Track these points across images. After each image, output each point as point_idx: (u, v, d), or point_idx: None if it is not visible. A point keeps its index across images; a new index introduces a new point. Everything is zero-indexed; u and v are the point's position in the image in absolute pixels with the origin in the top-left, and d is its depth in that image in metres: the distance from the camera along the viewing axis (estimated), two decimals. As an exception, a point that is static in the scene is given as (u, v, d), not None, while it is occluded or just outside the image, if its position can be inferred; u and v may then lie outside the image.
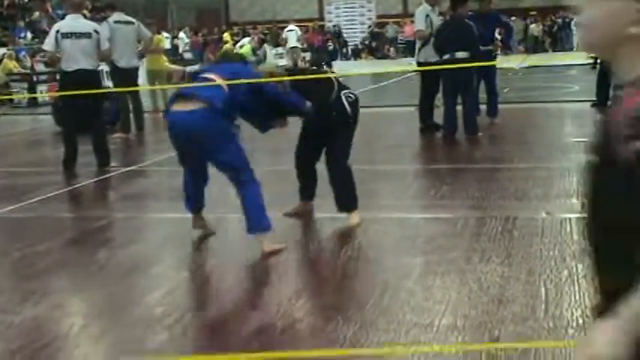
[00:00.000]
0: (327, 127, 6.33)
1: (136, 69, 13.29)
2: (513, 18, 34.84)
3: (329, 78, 6.64)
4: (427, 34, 11.37)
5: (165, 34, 26.91)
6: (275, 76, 6.50)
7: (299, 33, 30.91)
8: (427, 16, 11.47)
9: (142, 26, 13.35)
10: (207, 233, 6.24)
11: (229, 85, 5.67)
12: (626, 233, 1.51)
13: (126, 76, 12.69)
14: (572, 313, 4.25)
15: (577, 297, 4.49)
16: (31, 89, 20.51)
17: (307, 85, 6.35)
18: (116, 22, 12.81)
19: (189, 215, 6.41)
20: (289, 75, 6.65)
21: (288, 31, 30.18)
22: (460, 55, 10.56)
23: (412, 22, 13.64)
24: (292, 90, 6.24)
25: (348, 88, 6.52)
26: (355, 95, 6.49)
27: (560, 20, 38.53)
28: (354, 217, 6.31)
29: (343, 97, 6.32)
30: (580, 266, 5.03)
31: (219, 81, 5.69)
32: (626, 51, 1.58)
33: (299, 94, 6.21)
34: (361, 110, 6.56)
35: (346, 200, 6.35)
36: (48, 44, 9.83)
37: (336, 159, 6.38)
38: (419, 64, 11.72)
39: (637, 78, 1.54)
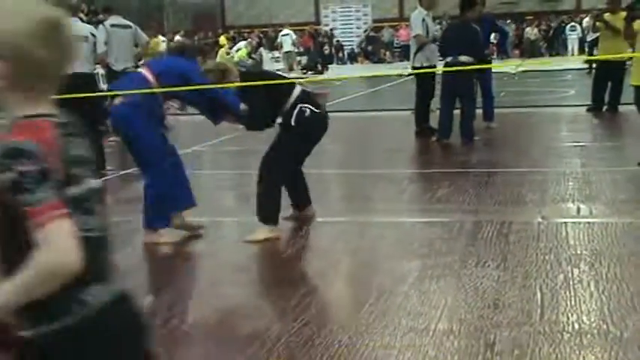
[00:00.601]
0: (277, 134, 6.31)
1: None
2: (508, 21, 34.91)
3: (288, 86, 6.33)
4: (426, 39, 11.37)
5: (161, 38, 26.92)
6: (228, 73, 6.27)
7: (294, 37, 30.93)
8: (423, 20, 11.47)
9: (138, 30, 13.34)
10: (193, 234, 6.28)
11: (157, 79, 5.98)
12: None
13: (121, 80, 12.71)
14: (568, 318, 4.25)
15: (573, 302, 4.48)
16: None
17: (255, 91, 6.17)
18: (113, 25, 12.79)
19: (185, 218, 6.43)
20: (243, 76, 6.39)
21: (283, 35, 30.20)
22: (463, 58, 10.53)
23: (407, 26, 13.61)
24: (232, 92, 6.20)
25: (314, 103, 6.25)
26: (313, 111, 6.18)
27: (555, 24, 38.64)
28: (259, 233, 6.11)
29: (297, 109, 6.13)
30: (576, 271, 5.03)
31: (148, 75, 6.03)
32: None
33: (242, 97, 6.15)
34: (357, 114, 6.57)
35: (259, 210, 6.18)
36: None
37: (263, 164, 6.24)
38: (414, 68, 11.72)
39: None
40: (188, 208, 6.44)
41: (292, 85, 6.37)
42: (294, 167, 6.38)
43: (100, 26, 12.93)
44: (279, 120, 6.22)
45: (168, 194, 6.14)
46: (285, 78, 6.86)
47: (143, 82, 6.01)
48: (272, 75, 6.96)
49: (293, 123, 6.10)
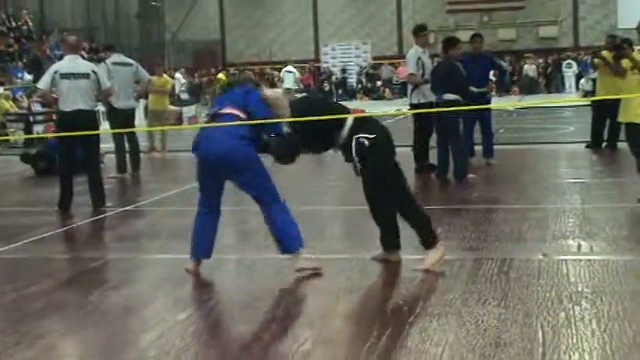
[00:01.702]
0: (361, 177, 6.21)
1: (133, 110, 13.34)
2: (508, 59, 35.08)
3: (340, 118, 6.15)
4: (419, 79, 11.44)
5: (165, 75, 27.04)
6: (279, 103, 6.14)
7: (297, 75, 30.89)
8: (419, 58, 11.56)
9: (140, 67, 13.43)
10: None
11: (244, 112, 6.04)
12: None
13: (123, 117, 12.75)
14: (570, 357, 4.22)
15: (574, 340, 4.46)
16: (28, 129, 20.52)
17: (305, 124, 6.01)
18: (114, 63, 12.89)
19: (184, 256, 6.41)
20: (292, 107, 6.17)
21: (286, 71, 30.15)
22: (448, 97, 10.62)
23: (405, 63, 13.71)
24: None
25: (367, 129, 6.10)
26: (368, 139, 6.03)
27: (551, 62, 38.90)
28: (431, 257, 6.20)
29: (354, 141, 6.02)
30: (577, 309, 5.01)
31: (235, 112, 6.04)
32: None
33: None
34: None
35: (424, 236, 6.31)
36: (43, 83, 9.85)
37: (372, 203, 6.26)
38: (412, 105, 11.78)
39: None
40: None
41: (344, 116, 6.16)
42: (399, 192, 6.28)
43: (102, 64, 13.02)
44: (343, 157, 6.17)
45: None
46: (339, 107, 6.58)
47: (234, 120, 6.01)
48: (324, 106, 6.77)
49: (356, 158, 6.02)
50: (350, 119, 6.09)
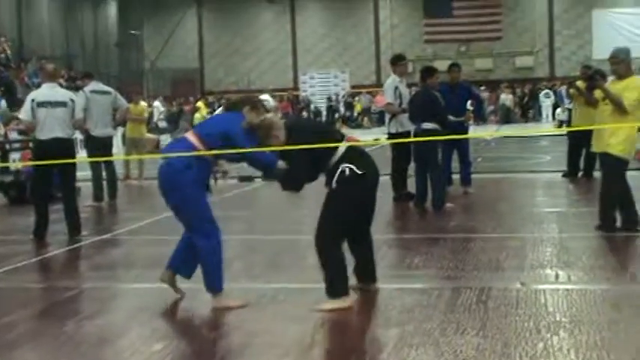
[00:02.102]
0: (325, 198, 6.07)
1: (110, 138, 13.29)
2: (482, 88, 35.37)
3: (335, 143, 6.02)
4: (397, 108, 11.49)
5: (143, 103, 27.02)
6: (274, 127, 6.01)
7: (272, 103, 31.16)
8: (396, 87, 11.61)
9: (118, 95, 13.40)
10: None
11: (203, 143, 6.00)
12: None
13: (100, 145, 12.70)
14: (549, 387, 4.20)
15: (553, 370, 4.44)
16: (4, 157, 20.37)
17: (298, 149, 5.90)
18: (92, 91, 12.85)
19: (161, 285, 6.36)
20: (288, 129, 6.07)
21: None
22: (426, 126, 10.66)
23: (382, 92, 13.76)
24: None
25: (359, 162, 5.97)
26: (352, 170, 5.89)
27: (528, 91, 39.29)
28: (327, 304, 5.90)
29: (339, 169, 5.90)
30: (555, 338, 5.00)
31: (193, 141, 6.03)
32: None
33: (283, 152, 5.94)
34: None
35: (325, 284, 5.97)
36: (24, 112, 9.80)
37: (316, 233, 6.00)
38: (390, 134, 11.82)
39: None
40: (187, 276, 6.39)
41: (339, 142, 6.03)
42: (346, 233, 6.06)
43: (80, 92, 12.99)
44: (324, 180, 6.01)
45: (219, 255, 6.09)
46: (334, 132, 6.52)
47: (190, 148, 5.99)
48: (320, 128, 6.67)
49: (334, 185, 5.90)
50: (343, 147, 5.99)
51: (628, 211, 8.44)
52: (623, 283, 6.52)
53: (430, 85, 11.01)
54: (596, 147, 8.57)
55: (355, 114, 40.94)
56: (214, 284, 6.09)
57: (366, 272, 6.36)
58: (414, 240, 9.15)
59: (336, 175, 5.88)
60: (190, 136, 6.11)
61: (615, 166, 8.33)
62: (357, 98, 41.53)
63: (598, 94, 8.43)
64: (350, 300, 5.97)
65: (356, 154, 6.04)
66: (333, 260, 5.91)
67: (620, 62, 8.33)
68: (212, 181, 6.30)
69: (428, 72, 11.15)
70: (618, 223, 8.44)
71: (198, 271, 6.28)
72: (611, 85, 8.36)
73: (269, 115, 6.14)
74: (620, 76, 8.33)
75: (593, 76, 8.56)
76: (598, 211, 8.49)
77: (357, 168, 5.90)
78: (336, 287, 5.92)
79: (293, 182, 6.11)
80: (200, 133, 6.13)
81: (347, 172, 5.87)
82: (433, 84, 11.05)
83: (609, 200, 8.40)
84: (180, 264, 6.36)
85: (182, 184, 5.96)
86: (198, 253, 6.13)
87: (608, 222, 8.38)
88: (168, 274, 6.41)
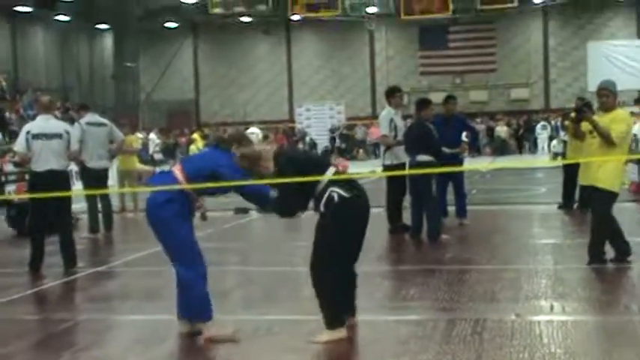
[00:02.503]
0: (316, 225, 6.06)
1: (106, 170, 13.32)
2: (478, 120, 35.55)
3: (321, 169, 6.01)
4: (392, 140, 11.54)
5: (139, 135, 27.15)
6: (263, 159, 6.07)
7: (260, 136, 31.68)
8: (391, 120, 11.66)
9: (114, 127, 13.44)
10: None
11: (187, 180, 6.10)
12: None
13: (95, 177, 12.72)
14: (544, 418, 4.21)
15: (548, 401, 4.45)
16: (-1, 189, 20.36)
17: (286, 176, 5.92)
18: (88, 123, 12.88)
19: (157, 317, 6.35)
20: (276, 159, 6.09)
21: (249, 133, 30.98)
22: (420, 158, 10.72)
23: (377, 124, 13.81)
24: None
25: (346, 187, 5.92)
26: (340, 195, 5.85)
27: (523, 123, 39.43)
28: (322, 335, 5.90)
29: (327, 193, 5.87)
30: (550, 369, 5.01)
31: (178, 176, 6.13)
32: None
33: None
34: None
35: (322, 314, 5.96)
36: (19, 145, 9.83)
37: (311, 262, 5.99)
38: (385, 166, 11.86)
39: None
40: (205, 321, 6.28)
41: (325, 168, 6.04)
42: (340, 260, 5.96)
43: (76, 124, 13.02)
44: (312, 206, 5.99)
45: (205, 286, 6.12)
46: (320, 160, 6.66)
47: (174, 182, 6.09)
48: (307, 158, 6.68)
49: (322, 209, 5.88)
50: (330, 173, 5.99)
51: (617, 242, 8.48)
52: (617, 314, 6.54)
53: (424, 117, 11.07)
54: (583, 179, 8.61)
55: (350, 145, 41.00)
56: (200, 314, 6.13)
57: (351, 305, 6.22)
58: (409, 271, 9.16)
59: (324, 199, 5.86)
60: (176, 171, 6.21)
61: (605, 200, 8.36)
62: (355, 129, 41.59)
63: (585, 126, 8.45)
64: (344, 331, 5.95)
65: (344, 180, 6.04)
66: (328, 290, 5.90)
67: (609, 94, 8.39)
68: (199, 217, 6.35)
69: (422, 104, 11.22)
70: (609, 256, 8.47)
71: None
72: (599, 118, 8.39)
73: (258, 147, 6.17)
74: (607, 109, 8.38)
75: (581, 109, 8.57)
76: (588, 245, 8.51)
77: (345, 192, 5.87)
78: (331, 318, 5.92)
79: (285, 210, 6.14)
80: (186, 169, 6.22)
81: (335, 197, 5.85)
82: (427, 116, 11.11)
83: (600, 234, 8.42)
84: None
85: (163, 217, 6.08)
86: (180, 284, 6.17)
87: (597, 255, 8.40)
88: (184, 324, 6.33)
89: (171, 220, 6.08)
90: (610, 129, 8.13)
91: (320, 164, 6.17)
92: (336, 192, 5.85)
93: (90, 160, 12.63)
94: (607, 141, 8.15)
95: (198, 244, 6.21)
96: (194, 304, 6.12)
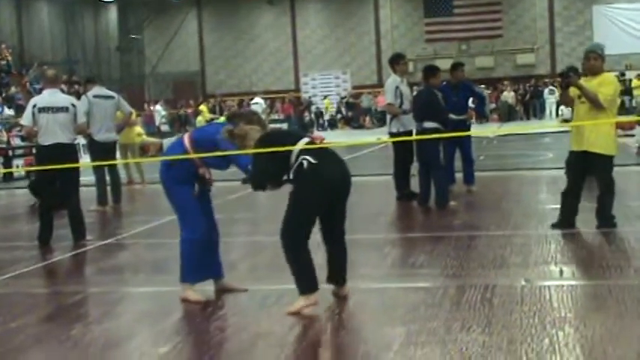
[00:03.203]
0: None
1: (114, 142, 13.31)
2: (483, 86, 35.41)
3: (293, 141, 5.98)
4: (397, 109, 11.50)
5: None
6: (247, 137, 6.12)
7: (263, 106, 31.78)
8: (397, 87, 11.61)
9: (122, 100, 13.42)
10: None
11: (192, 145, 6.43)
12: None
13: (103, 150, 12.71)
14: (555, 382, 4.21)
15: (559, 365, 4.45)
16: (7, 163, 20.43)
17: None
18: (95, 96, 12.86)
19: (166, 288, 6.37)
20: (263, 137, 6.13)
21: (253, 103, 31.08)
22: (427, 125, 10.70)
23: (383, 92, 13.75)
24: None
25: (317, 154, 5.86)
26: (310, 162, 5.79)
27: (531, 88, 39.24)
28: (297, 302, 5.88)
29: (298, 161, 5.84)
30: (561, 334, 5.01)
31: (185, 142, 6.48)
32: None
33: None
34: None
35: (294, 281, 5.97)
36: (25, 119, 9.83)
37: (281, 229, 5.99)
38: (391, 134, 11.83)
39: None
40: (216, 278, 6.66)
41: (298, 139, 6.00)
42: (308, 226, 5.91)
43: (83, 97, 13.00)
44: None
45: (200, 253, 6.44)
46: (293, 133, 6.92)
47: (180, 147, 6.46)
48: (279, 133, 6.76)
49: (291, 176, 5.88)
50: (302, 142, 5.93)
51: (569, 210, 8.54)
52: (628, 278, 6.53)
53: (432, 84, 11.03)
54: (576, 145, 8.50)
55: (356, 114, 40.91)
56: (183, 275, 6.47)
57: (335, 275, 6.18)
58: (417, 239, 9.17)
59: (294, 167, 5.83)
60: (185, 137, 6.56)
61: (608, 164, 8.34)
62: (361, 97, 41.46)
63: (574, 91, 8.36)
64: (315, 297, 5.89)
65: (316, 148, 5.96)
66: (297, 257, 5.88)
67: (598, 57, 8.31)
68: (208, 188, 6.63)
69: (430, 71, 11.18)
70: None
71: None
72: (586, 81, 8.29)
73: (247, 127, 6.14)
74: (594, 73, 8.30)
75: (566, 74, 8.41)
76: (596, 210, 8.49)
77: (314, 159, 5.80)
78: (301, 284, 5.90)
79: (256, 182, 6.16)
80: (193, 135, 6.60)
81: (305, 164, 5.79)
82: (435, 83, 11.08)
83: (609, 198, 8.40)
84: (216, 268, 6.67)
85: (165, 180, 6.51)
86: (180, 242, 6.51)
87: (608, 219, 8.39)
88: (218, 283, 6.67)
89: (172, 183, 6.45)
90: (598, 92, 8.07)
91: (292, 136, 6.23)
92: (306, 159, 5.80)
93: (97, 132, 12.62)
94: (595, 105, 8.09)
95: (198, 210, 6.42)
96: (183, 264, 6.46)
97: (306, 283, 5.90)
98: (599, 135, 8.20)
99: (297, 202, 5.87)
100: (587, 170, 8.47)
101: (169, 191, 6.51)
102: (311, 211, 5.91)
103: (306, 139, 6.02)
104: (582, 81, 8.26)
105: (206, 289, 6.58)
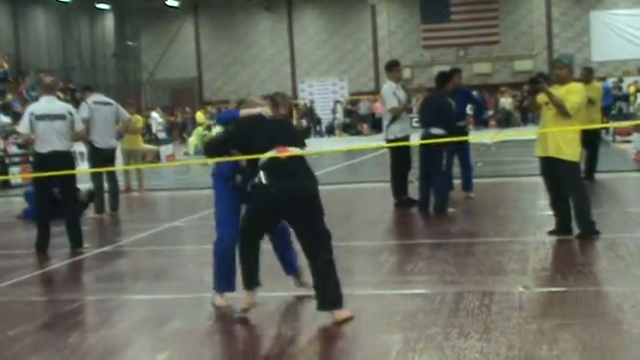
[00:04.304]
0: None
1: (114, 149, 13.30)
2: (475, 92, 35.43)
3: (264, 148, 6.00)
4: (402, 107, 11.56)
5: (137, 116, 27.14)
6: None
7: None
8: (394, 93, 11.63)
9: (120, 107, 13.40)
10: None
11: None
12: None
13: (104, 157, 12.67)
14: (554, 389, 4.20)
15: (558, 372, 4.45)
16: (3, 171, 20.40)
17: (238, 129, 6.32)
18: (95, 102, 12.85)
19: (164, 296, 6.35)
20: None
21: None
22: (434, 131, 10.72)
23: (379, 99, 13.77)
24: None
25: (273, 174, 5.85)
26: (260, 182, 5.85)
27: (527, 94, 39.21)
28: (246, 298, 6.11)
29: (259, 173, 5.90)
30: (559, 340, 5.00)
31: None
32: None
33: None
34: (336, 186, 6.53)
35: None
36: (22, 127, 9.81)
37: None
38: (388, 141, 11.80)
39: None
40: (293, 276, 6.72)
41: (267, 146, 5.97)
42: (252, 234, 6.03)
43: (83, 103, 12.98)
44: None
45: (224, 263, 6.40)
46: (269, 138, 6.23)
47: (236, 112, 6.46)
48: (255, 133, 6.29)
49: (249, 187, 6.10)
50: (270, 153, 5.91)
51: (563, 216, 8.56)
52: (626, 285, 6.52)
53: (446, 90, 11.18)
54: (541, 151, 8.60)
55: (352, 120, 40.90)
56: (214, 281, 6.48)
57: (322, 298, 5.88)
58: (415, 245, 9.16)
59: (256, 178, 5.95)
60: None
61: (576, 170, 8.49)
62: (359, 104, 41.46)
63: (542, 98, 8.47)
64: (253, 294, 6.08)
65: (276, 164, 5.90)
66: (243, 255, 6.07)
67: (564, 67, 8.48)
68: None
69: (445, 78, 11.33)
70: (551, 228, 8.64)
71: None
72: (554, 89, 8.40)
73: (245, 111, 6.31)
74: (562, 81, 8.43)
75: (536, 80, 8.52)
76: (575, 218, 8.49)
77: (268, 179, 5.82)
78: (245, 280, 6.10)
79: (208, 148, 6.69)
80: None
81: (257, 180, 5.90)
82: (447, 89, 11.24)
83: (583, 204, 8.42)
84: (290, 265, 6.70)
85: (213, 175, 6.55)
86: None
87: (589, 225, 8.40)
88: (295, 281, 6.70)
89: (216, 178, 6.48)
90: (565, 100, 8.17)
91: (264, 140, 6.02)
92: (262, 176, 5.85)
93: (100, 139, 12.60)
94: (562, 112, 8.22)
95: (229, 218, 6.32)
96: (215, 271, 6.47)
97: (250, 279, 6.07)
98: (567, 142, 8.30)
99: (249, 210, 6.09)
100: (556, 175, 8.53)
101: (214, 188, 6.50)
102: (255, 222, 6.04)
103: (272, 152, 5.91)
104: (551, 89, 8.38)
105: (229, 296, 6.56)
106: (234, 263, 6.34)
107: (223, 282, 6.41)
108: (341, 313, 5.80)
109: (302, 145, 6.30)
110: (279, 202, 5.87)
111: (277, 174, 5.85)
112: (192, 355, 5.39)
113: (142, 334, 5.95)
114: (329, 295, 5.82)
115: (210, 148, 6.69)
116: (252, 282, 6.06)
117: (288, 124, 6.48)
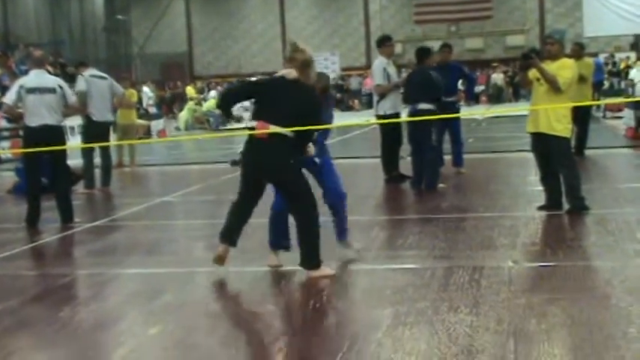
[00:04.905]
0: None
1: (110, 124, 13.25)
2: (466, 68, 35.39)
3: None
4: (388, 86, 11.47)
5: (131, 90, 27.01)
6: None
7: None
8: (384, 69, 11.57)
9: (114, 82, 13.34)
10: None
11: None
12: None
13: (100, 132, 12.61)
14: (542, 363, 4.24)
15: (546, 346, 4.48)
16: (-6, 145, 20.30)
17: (256, 83, 7.34)
18: (91, 75, 12.80)
19: (155, 270, 6.36)
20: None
21: None
22: (421, 106, 10.68)
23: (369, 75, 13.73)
24: None
25: (248, 139, 6.46)
26: (242, 150, 6.60)
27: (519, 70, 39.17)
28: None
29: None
30: (548, 315, 5.04)
31: None
32: None
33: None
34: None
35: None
36: (8, 98, 9.75)
37: None
38: (378, 117, 11.79)
39: None
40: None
41: (261, 115, 6.42)
42: (240, 194, 6.63)
43: (79, 77, 12.91)
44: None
45: (272, 224, 6.85)
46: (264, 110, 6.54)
47: None
48: (264, 99, 6.57)
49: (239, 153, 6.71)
50: (253, 123, 6.40)
51: (553, 192, 8.59)
52: (615, 260, 6.55)
53: (427, 65, 11.06)
54: (532, 127, 8.63)
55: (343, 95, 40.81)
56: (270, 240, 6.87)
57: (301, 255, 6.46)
58: (406, 220, 9.19)
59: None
60: None
61: (567, 146, 8.52)
62: (350, 79, 41.36)
63: (533, 74, 8.46)
64: (224, 247, 6.50)
65: (251, 136, 6.41)
66: (230, 210, 6.71)
67: (555, 43, 8.48)
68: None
69: (424, 53, 11.20)
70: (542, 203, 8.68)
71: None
72: (545, 65, 8.41)
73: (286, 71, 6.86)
74: (554, 57, 8.43)
75: (527, 55, 8.51)
76: (565, 194, 8.52)
77: (243, 149, 6.51)
78: (222, 231, 6.62)
79: (223, 99, 6.84)
80: None
81: (242, 148, 6.57)
82: (430, 63, 11.12)
83: (574, 179, 8.46)
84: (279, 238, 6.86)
85: None
86: None
87: (579, 200, 8.44)
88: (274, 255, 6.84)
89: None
90: (557, 75, 8.18)
91: (262, 110, 6.42)
92: (244, 145, 6.49)
93: (97, 112, 12.54)
94: (554, 87, 8.24)
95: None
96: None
97: (225, 233, 6.58)
98: (555, 117, 8.32)
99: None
100: (547, 151, 8.55)
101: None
102: (241, 183, 6.62)
103: (254, 123, 6.38)
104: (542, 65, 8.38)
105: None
106: (277, 225, 6.76)
107: (271, 240, 6.78)
108: (314, 273, 6.28)
109: (291, 125, 6.30)
110: (249, 173, 6.57)
111: (248, 147, 6.42)
112: (184, 329, 5.40)
113: (134, 308, 5.96)
114: (302, 255, 6.37)
115: (226, 93, 7.00)
116: (227, 235, 6.56)
117: (300, 95, 6.52)
